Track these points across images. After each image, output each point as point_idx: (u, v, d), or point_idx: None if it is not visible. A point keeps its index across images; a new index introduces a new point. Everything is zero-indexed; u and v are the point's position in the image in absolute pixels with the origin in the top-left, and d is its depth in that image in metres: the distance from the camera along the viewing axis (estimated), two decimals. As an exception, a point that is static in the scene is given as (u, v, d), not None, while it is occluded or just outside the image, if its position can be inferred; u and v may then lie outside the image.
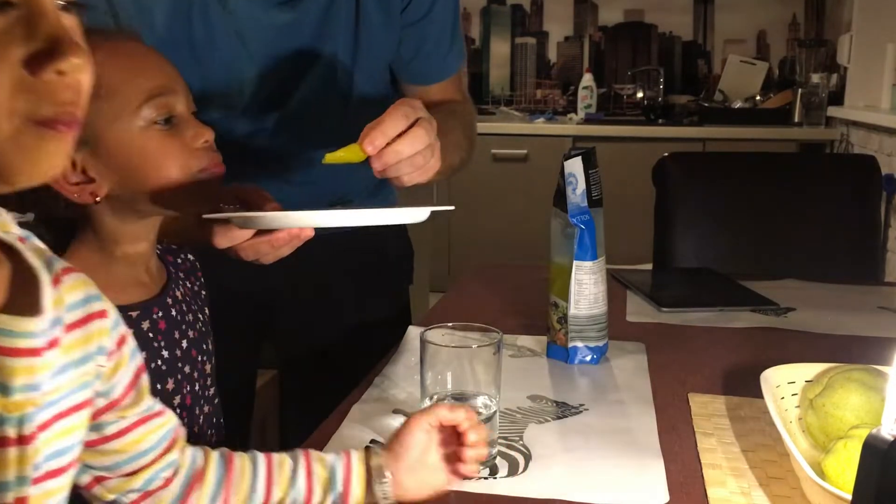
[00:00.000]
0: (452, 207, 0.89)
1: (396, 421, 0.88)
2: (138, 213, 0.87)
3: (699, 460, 0.81)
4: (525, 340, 1.15)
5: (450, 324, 0.83)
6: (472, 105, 1.34)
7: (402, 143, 0.88)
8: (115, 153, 0.83)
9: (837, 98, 3.65)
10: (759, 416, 0.89)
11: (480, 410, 0.78)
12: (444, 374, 0.78)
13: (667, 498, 0.74)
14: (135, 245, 0.89)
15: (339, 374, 1.07)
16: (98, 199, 0.84)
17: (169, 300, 0.93)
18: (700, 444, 0.84)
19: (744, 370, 1.03)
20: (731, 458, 0.81)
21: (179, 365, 0.91)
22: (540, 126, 3.90)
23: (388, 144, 0.88)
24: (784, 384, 0.85)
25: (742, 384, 0.98)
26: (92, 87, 0.79)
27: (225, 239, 0.92)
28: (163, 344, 0.90)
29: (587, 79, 4.12)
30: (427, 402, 0.78)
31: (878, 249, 1.88)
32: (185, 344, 0.93)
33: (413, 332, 1.15)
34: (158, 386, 0.88)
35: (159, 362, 0.89)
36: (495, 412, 0.79)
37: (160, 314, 0.90)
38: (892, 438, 0.49)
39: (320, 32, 1.13)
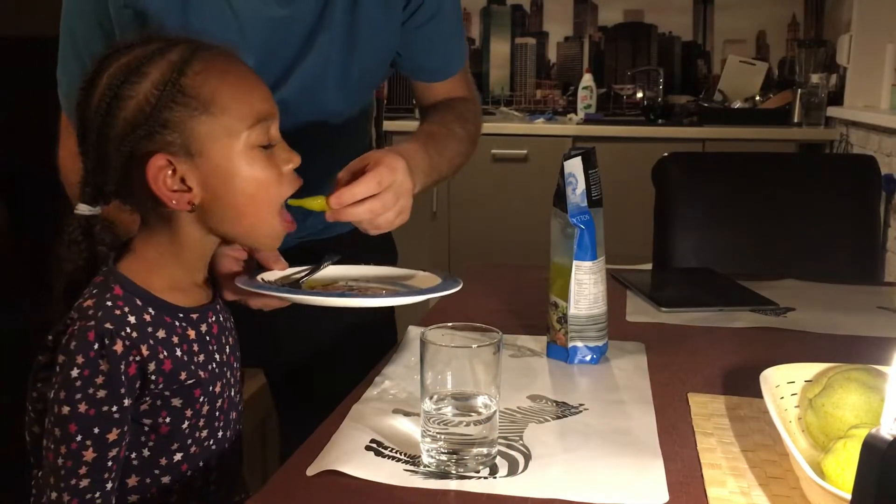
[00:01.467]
0: (461, 286, 1.00)
1: (396, 421, 0.88)
2: (216, 231, 0.90)
3: (699, 460, 0.81)
4: (525, 340, 1.15)
5: (450, 324, 0.83)
6: (477, 100, 1.37)
7: (361, 210, 0.96)
8: (215, 168, 0.86)
9: (837, 98, 3.65)
10: (758, 415, 0.90)
11: (480, 410, 0.78)
12: (444, 374, 0.79)
13: (666, 498, 0.74)
14: (202, 253, 0.92)
15: (338, 375, 1.07)
16: (192, 207, 0.87)
17: (218, 306, 0.97)
18: (700, 444, 0.84)
19: (743, 370, 1.03)
20: (730, 458, 0.81)
21: (224, 369, 0.94)
22: (540, 126, 3.90)
23: (351, 205, 0.95)
24: (783, 384, 0.85)
25: (742, 384, 0.98)
26: (205, 102, 0.83)
27: (234, 295, 0.99)
28: (215, 347, 0.93)
29: (587, 79, 4.12)
30: (427, 402, 0.79)
31: (877, 249, 1.88)
32: (228, 349, 0.96)
33: (413, 332, 1.15)
34: (210, 387, 0.91)
35: (213, 365, 0.92)
36: (495, 412, 0.79)
37: (213, 318, 0.94)
38: (891, 438, 0.49)
39: (317, 25, 1.14)
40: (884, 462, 0.49)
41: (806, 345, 1.17)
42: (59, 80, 1.17)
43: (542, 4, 4.42)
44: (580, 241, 1.04)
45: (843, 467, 0.68)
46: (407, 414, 0.89)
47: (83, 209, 0.90)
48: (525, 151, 3.83)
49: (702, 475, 0.78)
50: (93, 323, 0.82)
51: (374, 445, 0.82)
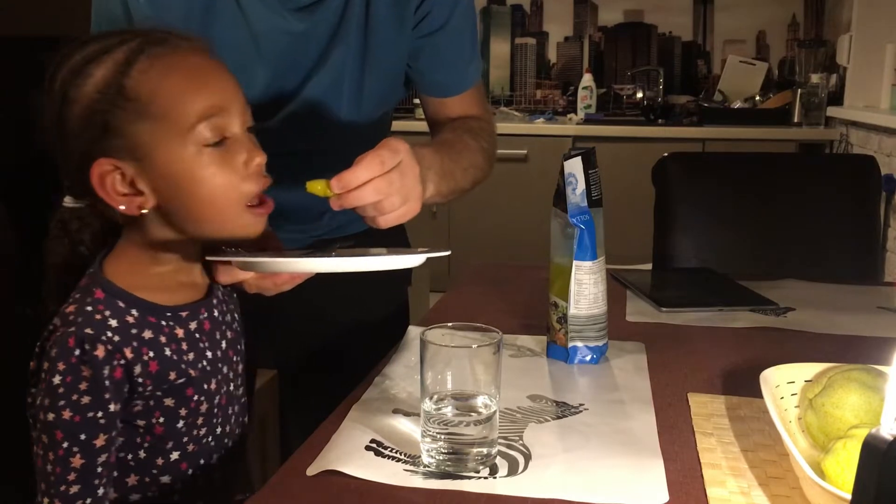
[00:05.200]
0: (448, 252, 0.90)
1: (396, 421, 0.88)
2: (185, 233, 0.88)
3: (699, 460, 0.81)
4: (525, 340, 1.15)
5: (450, 324, 0.83)
6: (492, 120, 1.33)
7: (367, 190, 0.90)
8: (163, 172, 0.83)
9: (837, 98, 3.65)
10: (758, 415, 0.90)
11: (480, 410, 0.78)
12: (444, 374, 0.79)
13: (666, 497, 0.74)
14: (182, 252, 0.90)
15: (339, 374, 1.07)
16: (144, 211, 0.85)
17: (214, 301, 0.95)
18: (699, 444, 0.84)
19: (743, 370, 1.03)
20: (730, 458, 0.81)
21: (220, 365, 0.93)
22: (540, 126, 3.91)
23: (355, 188, 0.90)
24: (783, 384, 0.85)
25: (741, 384, 0.98)
26: (146, 104, 0.81)
27: (227, 276, 0.94)
28: (207, 344, 0.92)
29: (587, 79, 4.12)
30: (427, 402, 0.79)
31: (877, 249, 1.88)
32: (224, 344, 0.95)
33: (413, 332, 1.15)
34: (204, 385, 0.90)
35: (205, 363, 0.91)
36: (495, 412, 0.79)
37: (205, 315, 0.92)
38: (891, 438, 0.49)
39: (332, 38, 1.14)
40: (884, 462, 0.49)
41: (806, 345, 1.17)
42: None
43: (542, 4, 4.42)
44: (580, 241, 1.04)
45: (843, 467, 0.68)
46: (407, 414, 0.89)
47: (68, 201, 0.89)
48: (525, 151, 3.84)
49: (702, 475, 0.78)
50: (73, 329, 0.81)
51: (374, 445, 0.82)
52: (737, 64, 4.10)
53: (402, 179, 0.93)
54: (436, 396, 0.79)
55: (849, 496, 0.54)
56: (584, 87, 4.10)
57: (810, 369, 0.86)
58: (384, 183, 0.91)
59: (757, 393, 0.83)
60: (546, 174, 3.29)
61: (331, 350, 1.32)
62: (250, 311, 1.02)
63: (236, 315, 1.00)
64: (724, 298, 1.36)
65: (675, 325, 1.25)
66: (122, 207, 0.84)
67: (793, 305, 1.34)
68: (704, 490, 0.75)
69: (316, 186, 0.91)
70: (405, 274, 1.47)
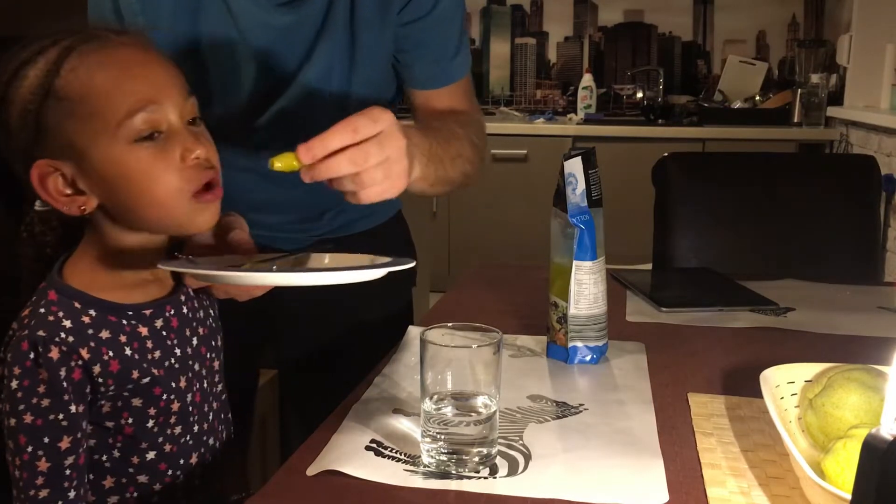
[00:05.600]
0: (413, 264, 0.84)
1: (396, 421, 0.88)
2: (135, 228, 0.87)
3: (699, 460, 0.81)
4: (525, 340, 1.15)
5: (450, 324, 0.83)
6: (481, 116, 1.29)
7: (340, 159, 0.82)
8: (99, 170, 0.82)
9: (837, 98, 3.65)
10: (758, 415, 0.90)
11: (480, 410, 0.78)
12: (444, 374, 0.78)
13: (666, 497, 0.74)
14: (142, 249, 0.89)
15: (339, 374, 1.07)
16: (86, 211, 0.84)
17: (182, 297, 0.93)
18: (699, 444, 0.84)
19: (743, 370, 1.03)
20: (730, 458, 0.81)
21: (190, 362, 0.92)
22: (540, 126, 3.91)
23: (327, 156, 0.82)
24: (783, 384, 0.85)
25: (741, 384, 0.98)
26: (76, 103, 0.80)
27: (193, 281, 0.92)
28: (176, 342, 0.91)
29: (587, 79, 4.12)
30: (427, 402, 0.79)
31: (877, 249, 1.88)
32: (195, 341, 0.94)
33: (413, 332, 1.15)
34: (173, 384, 0.89)
35: (173, 360, 0.90)
36: (495, 412, 0.79)
37: (172, 312, 0.91)
38: (891, 438, 0.49)
39: (319, 32, 1.13)
40: (884, 462, 0.49)
41: (806, 345, 1.17)
42: None
43: (542, 4, 4.42)
44: (580, 241, 1.04)
45: (843, 467, 0.68)
46: (407, 414, 0.89)
47: (38, 205, 0.89)
48: (525, 151, 3.84)
49: (702, 475, 0.78)
50: (26, 332, 0.81)
51: (374, 445, 0.82)
52: (737, 64, 4.10)
53: (381, 151, 0.84)
54: (436, 396, 0.79)
55: (849, 496, 0.54)
56: (584, 87, 4.10)
57: (810, 369, 0.86)
58: (360, 153, 0.82)
59: (757, 393, 0.83)
60: (546, 174, 3.29)
61: (331, 350, 1.32)
62: (251, 310, 1.01)
63: (211, 311, 0.99)
64: (724, 298, 1.36)
65: (675, 325, 1.25)
66: (66, 208, 0.83)
67: (793, 305, 1.34)
68: (704, 490, 0.75)
69: (282, 161, 0.83)
70: (409, 274, 1.46)
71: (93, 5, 1.13)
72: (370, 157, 0.83)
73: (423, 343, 0.78)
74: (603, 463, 0.80)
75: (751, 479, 0.77)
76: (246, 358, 1.32)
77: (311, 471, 0.77)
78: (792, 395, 0.85)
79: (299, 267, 0.92)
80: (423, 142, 0.99)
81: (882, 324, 1.27)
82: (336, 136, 0.82)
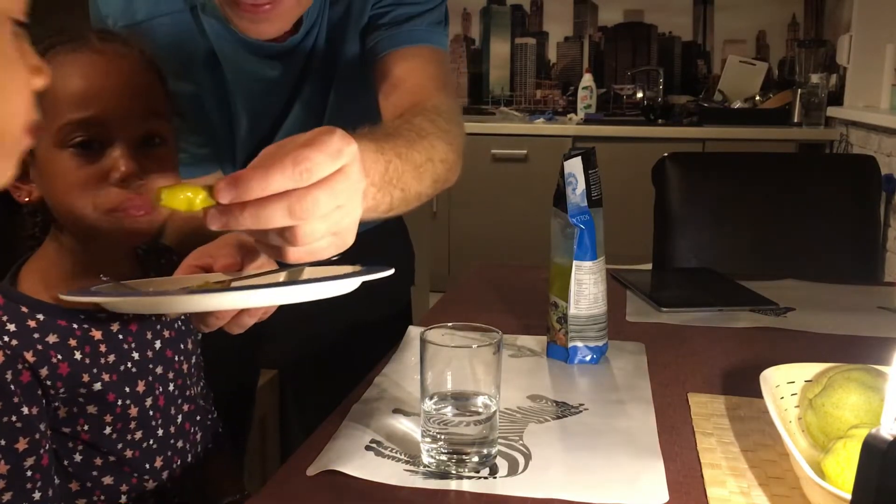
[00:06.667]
0: (392, 271, 0.73)
1: (396, 421, 0.88)
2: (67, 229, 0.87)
3: (699, 460, 0.81)
4: (525, 340, 1.15)
5: (450, 324, 0.83)
6: (455, 103, 1.06)
7: (275, 208, 0.59)
8: (39, 165, 0.84)
9: (837, 98, 3.65)
10: (758, 415, 0.90)
11: (480, 410, 0.78)
12: (444, 374, 0.78)
13: (666, 497, 0.74)
14: (96, 251, 0.88)
15: (339, 374, 1.07)
16: (27, 200, 0.85)
17: None
18: (699, 444, 0.84)
19: (743, 370, 1.03)
20: (730, 458, 0.81)
21: (151, 366, 0.91)
22: (540, 126, 3.91)
23: (247, 203, 0.60)
24: (783, 384, 0.85)
25: (741, 384, 0.98)
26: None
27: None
28: (133, 346, 0.90)
29: (587, 79, 4.12)
30: (427, 402, 0.79)
31: (877, 249, 1.88)
32: (158, 344, 0.93)
33: (413, 332, 1.15)
34: (127, 388, 0.88)
35: (129, 364, 0.89)
36: (495, 412, 0.79)
37: (130, 315, 0.90)
38: (891, 438, 0.49)
39: (301, 79, 1.17)
40: (884, 462, 0.49)
41: (806, 345, 1.17)
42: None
43: (542, 4, 4.42)
44: (580, 241, 1.04)
45: (843, 467, 0.68)
46: (407, 414, 0.89)
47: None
48: (525, 151, 3.84)
49: (702, 475, 0.78)
50: None
51: (374, 445, 0.82)
52: (737, 64, 4.10)
53: (333, 199, 0.61)
54: (436, 396, 0.79)
55: (849, 496, 0.54)
56: (584, 87, 4.10)
57: (810, 369, 0.86)
58: (304, 202, 0.60)
59: (757, 393, 0.83)
60: (546, 174, 3.29)
61: (331, 350, 1.32)
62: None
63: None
64: (724, 298, 1.36)
65: (675, 325, 1.25)
66: (15, 194, 0.84)
67: (793, 305, 1.34)
68: (704, 490, 0.75)
69: (179, 195, 0.60)
70: (408, 274, 1.46)
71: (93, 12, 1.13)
72: (318, 208, 0.60)
73: (423, 343, 0.78)
74: (603, 463, 0.80)
75: (751, 479, 0.77)
76: (245, 358, 1.32)
77: (311, 471, 0.77)
78: (792, 395, 0.85)
79: (255, 284, 0.78)
80: (378, 163, 0.75)
81: (882, 324, 1.27)
82: (278, 177, 0.59)
